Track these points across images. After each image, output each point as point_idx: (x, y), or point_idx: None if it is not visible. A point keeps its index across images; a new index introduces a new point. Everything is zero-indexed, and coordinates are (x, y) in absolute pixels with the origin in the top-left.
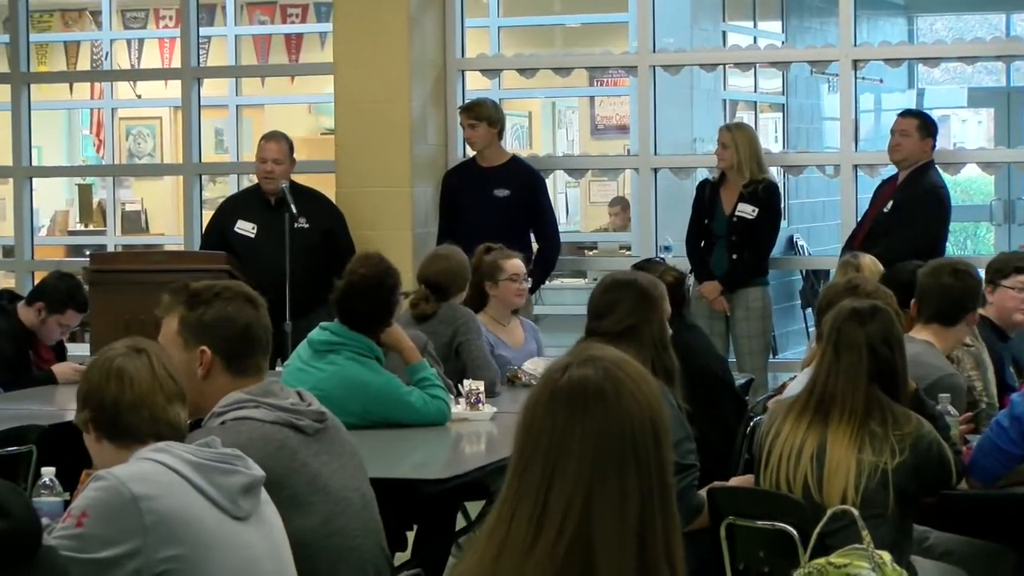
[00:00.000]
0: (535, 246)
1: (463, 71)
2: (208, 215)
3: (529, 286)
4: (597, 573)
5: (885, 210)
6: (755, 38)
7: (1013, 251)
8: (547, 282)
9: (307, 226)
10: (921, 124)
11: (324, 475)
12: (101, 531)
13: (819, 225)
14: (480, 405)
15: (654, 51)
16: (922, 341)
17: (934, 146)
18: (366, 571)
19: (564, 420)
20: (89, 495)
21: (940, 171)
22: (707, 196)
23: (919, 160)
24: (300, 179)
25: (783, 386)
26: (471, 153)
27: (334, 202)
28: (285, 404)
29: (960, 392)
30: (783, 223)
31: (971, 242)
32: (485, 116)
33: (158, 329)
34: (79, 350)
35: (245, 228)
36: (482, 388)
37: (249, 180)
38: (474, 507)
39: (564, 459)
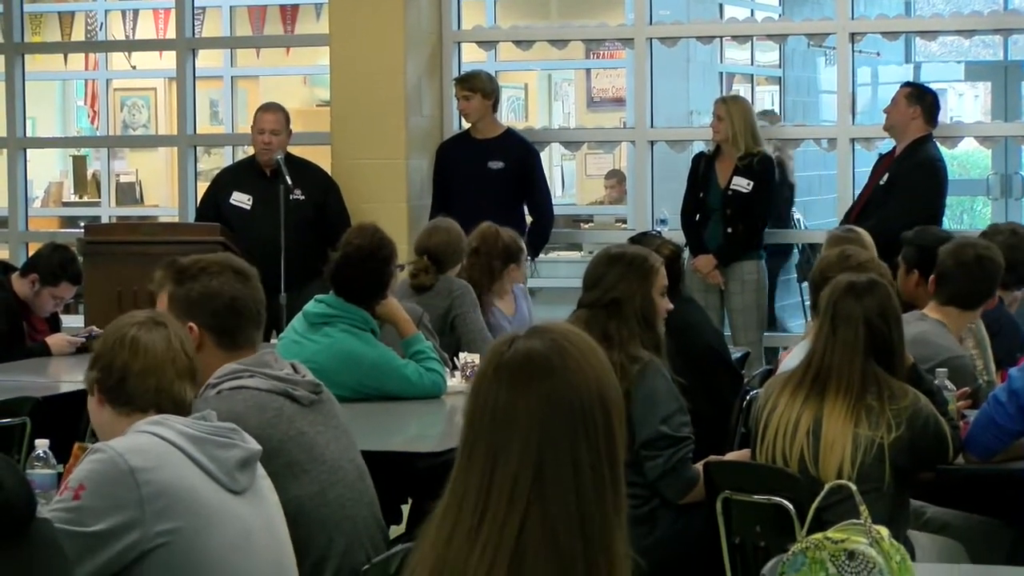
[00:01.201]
0: (528, 219)
1: (459, 43)
2: (203, 187)
3: None
4: (560, 551)
5: (881, 183)
6: (752, 11)
7: None
8: (542, 254)
9: (302, 198)
10: (911, 92)
11: (320, 444)
12: (98, 503)
13: (815, 199)
14: None
15: (651, 23)
16: (935, 320)
17: (932, 119)
18: (361, 541)
19: (508, 394)
20: (86, 468)
21: (938, 145)
22: (702, 169)
23: (908, 130)
24: (295, 151)
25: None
26: (466, 125)
27: (329, 174)
28: (280, 374)
29: (967, 373)
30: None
31: (967, 216)
32: (479, 88)
33: (152, 301)
34: (73, 322)
35: (241, 200)
36: (477, 361)
37: (244, 152)
38: None
39: (509, 435)
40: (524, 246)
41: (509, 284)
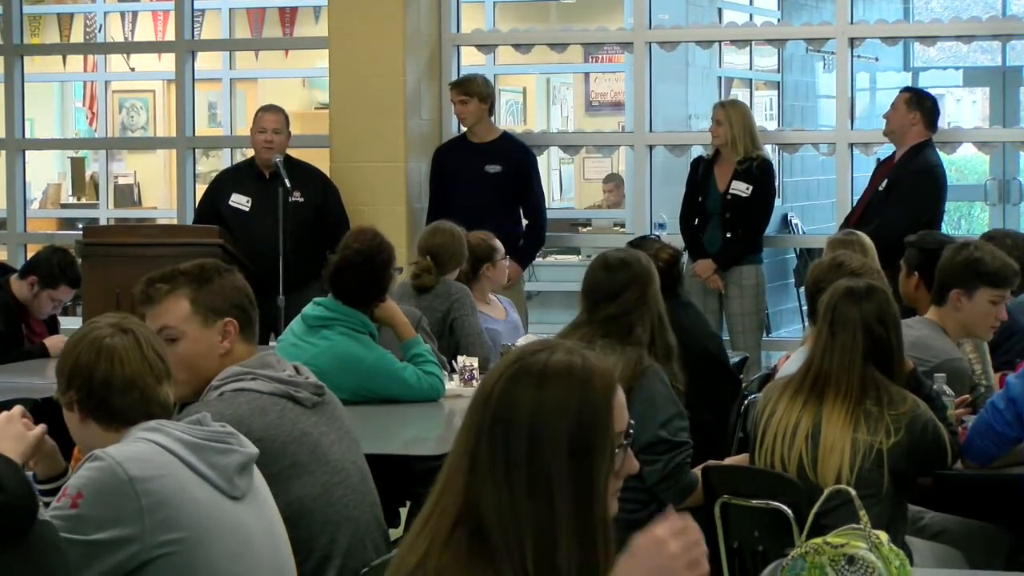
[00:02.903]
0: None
1: (458, 46)
2: (201, 189)
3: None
4: (493, 552)
5: (880, 188)
6: (751, 15)
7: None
8: (541, 258)
9: (301, 200)
10: (910, 98)
11: (323, 445)
12: (97, 513)
13: (813, 203)
14: (474, 381)
15: (650, 27)
16: (931, 323)
17: (932, 124)
18: (364, 542)
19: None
20: (84, 475)
21: (938, 150)
22: (701, 173)
23: (908, 135)
24: (294, 153)
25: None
26: (464, 129)
27: (328, 176)
28: (283, 376)
29: (963, 377)
30: (777, 201)
31: (965, 221)
32: (476, 92)
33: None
34: (71, 323)
35: (239, 202)
36: (476, 364)
37: (243, 154)
38: None
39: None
40: (498, 246)
41: (487, 286)
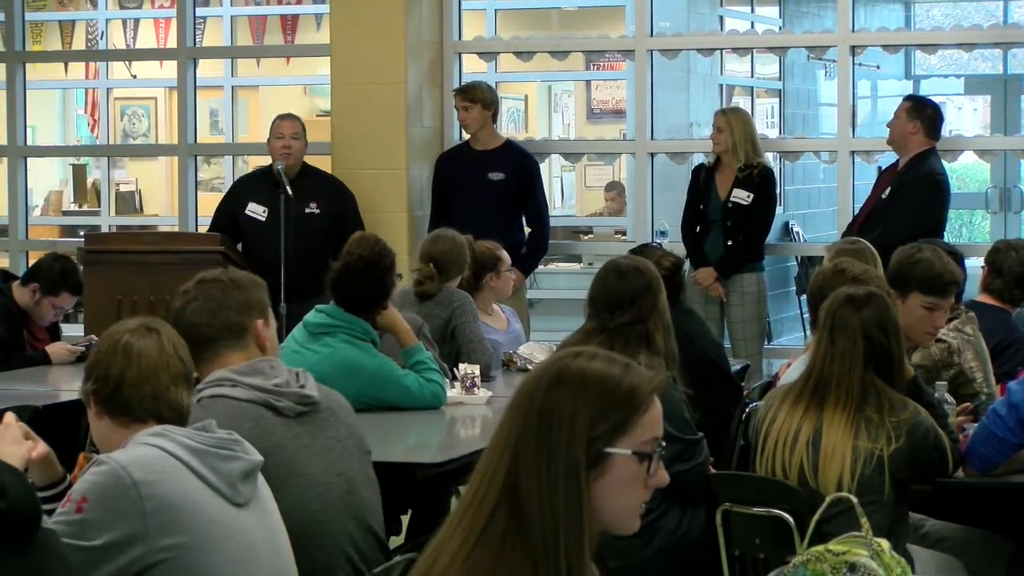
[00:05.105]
0: (527, 230)
1: (460, 53)
2: (203, 196)
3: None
4: (531, 547)
5: (883, 196)
6: (752, 23)
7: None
8: (542, 266)
9: (317, 211)
10: (911, 107)
11: (301, 458)
12: (101, 517)
13: (815, 211)
14: (475, 389)
15: (651, 35)
16: None
17: (934, 132)
18: (339, 560)
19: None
20: (89, 480)
21: (941, 159)
22: (702, 181)
23: (910, 144)
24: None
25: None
26: (467, 136)
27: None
28: (267, 385)
29: None
30: (778, 209)
31: (966, 229)
32: (479, 98)
33: (151, 310)
34: (73, 330)
35: (256, 211)
36: (477, 372)
37: (243, 161)
38: None
39: (499, 430)
40: (503, 256)
41: (490, 296)
